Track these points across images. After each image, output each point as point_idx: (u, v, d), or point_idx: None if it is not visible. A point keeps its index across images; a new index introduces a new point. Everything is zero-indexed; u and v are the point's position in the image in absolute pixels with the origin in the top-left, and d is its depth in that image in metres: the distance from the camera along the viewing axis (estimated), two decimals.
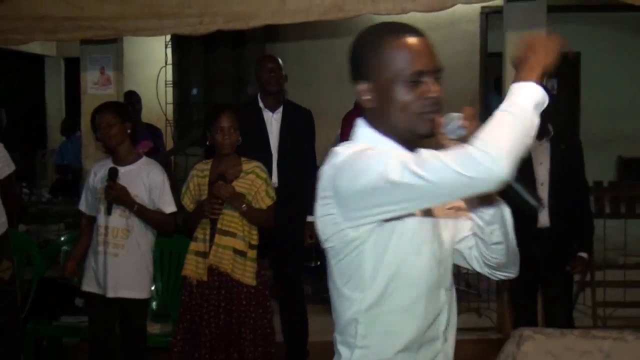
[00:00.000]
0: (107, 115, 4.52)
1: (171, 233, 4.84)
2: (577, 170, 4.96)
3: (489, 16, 8.20)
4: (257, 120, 5.46)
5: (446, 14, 5.93)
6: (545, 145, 4.86)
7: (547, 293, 5.04)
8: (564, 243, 4.88)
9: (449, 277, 2.08)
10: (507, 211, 2.03)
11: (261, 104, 5.56)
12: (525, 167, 4.82)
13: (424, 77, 1.96)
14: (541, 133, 4.82)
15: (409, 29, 2.00)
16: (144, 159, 4.69)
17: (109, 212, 4.46)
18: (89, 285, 4.57)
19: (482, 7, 7.87)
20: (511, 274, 2.18)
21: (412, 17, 5.52)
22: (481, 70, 8.46)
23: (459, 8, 5.53)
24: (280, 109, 5.53)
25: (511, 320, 5.39)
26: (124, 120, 4.56)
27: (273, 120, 5.49)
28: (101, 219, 4.52)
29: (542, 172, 4.84)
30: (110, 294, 4.47)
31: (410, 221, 1.91)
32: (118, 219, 4.50)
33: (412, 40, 1.96)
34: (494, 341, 5.76)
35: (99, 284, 4.50)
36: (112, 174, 4.44)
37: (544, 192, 4.81)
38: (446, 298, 2.05)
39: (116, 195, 4.43)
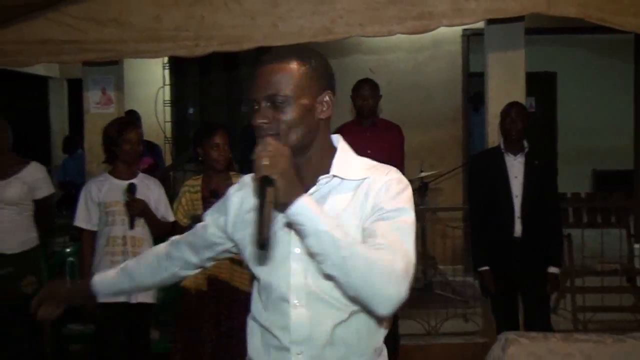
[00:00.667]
0: (138, 134, 4.78)
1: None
2: (550, 186, 5.20)
3: (470, 38, 8.48)
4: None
5: (430, 35, 6.19)
6: (520, 160, 5.13)
7: (525, 300, 5.24)
8: (537, 252, 5.10)
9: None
10: (332, 244, 1.85)
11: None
12: (501, 180, 5.13)
13: (257, 104, 2.04)
14: (517, 149, 5.11)
15: (270, 57, 2.09)
16: (141, 174, 4.90)
17: (132, 226, 4.63)
18: None
19: (464, 30, 8.14)
20: (375, 310, 1.91)
21: (397, 39, 5.84)
22: (463, 89, 8.69)
23: (442, 30, 5.75)
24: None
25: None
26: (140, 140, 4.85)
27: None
28: (117, 230, 4.66)
29: (517, 185, 5.10)
30: (133, 300, 4.62)
31: None
32: (136, 229, 4.68)
33: (261, 69, 2.07)
34: (480, 345, 5.97)
35: None
36: (132, 189, 4.62)
37: (517, 204, 5.09)
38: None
39: (140, 208, 4.62)
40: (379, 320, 2.10)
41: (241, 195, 2.22)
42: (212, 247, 2.32)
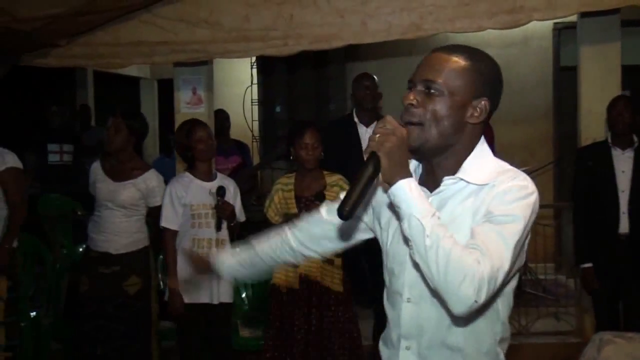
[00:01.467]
0: (206, 129, 4.82)
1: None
2: None
3: (562, 31, 8.29)
4: (352, 135, 5.72)
5: (520, 30, 6.05)
6: (629, 155, 5.00)
7: (627, 300, 5.11)
8: None
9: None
10: (420, 231, 1.85)
11: (356, 119, 5.83)
12: (607, 175, 5.00)
13: (412, 85, 2.05)
14: (625, 143, 4.98)
15: (441, 47, 2.10)
16: (219, 175, 4.94)
17: (219, 227, 4.67)
18: (192, 297, 4.69)
19: (555, 23, 7.95)
20: (450, 308, 1.87)
21: (487, 35, 5.75)
22: (554, 84, 8.53)
23: (532, 25, 5.63)
24: (374, 124, 5.74)
25: (592, 326, 5.50)
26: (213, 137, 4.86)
27: (367, 135, 5.69)
28: (204, 233, 4.70)
29: (624, 180, 4.98)
30: (215, 301, 4.69)
31: None
32: (223, 230, 4.73)
33: (428, 55, 2.09)
34: (574, 345, 5.81)
35: (202, 294, 4.67)
36: (221, 193, 4.67)
37: (624, 199, 4.96)
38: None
39: (229, 211, 4.68)
40: (491, 326, 2.08)
41: None
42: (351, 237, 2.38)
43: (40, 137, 7.96)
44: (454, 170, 2.05)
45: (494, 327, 2.09)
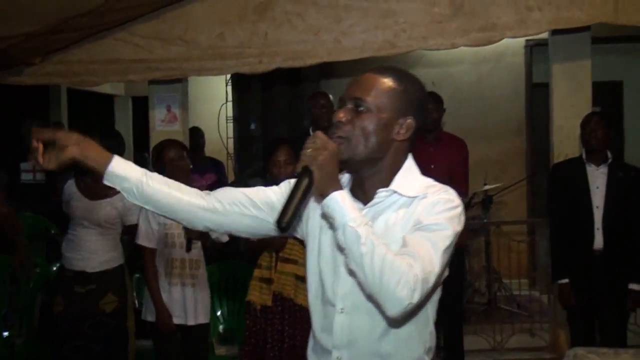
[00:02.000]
0: (177, 150, 4.70)
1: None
2: (635, 198, 5.06)
3: (533, 48, 8.37)
4: None
5: (492, 47, 6.14)
6: (603, 171, 5.04)
7: (603, 316, 5.13)
8: (619, 266, 5.00)
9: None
10: (354, 239, 1.91)
11: None
12: (581, 190, 5.04)
13: (343, 104, 2.14)
14: (599, 159, 5.04)
15: (373, 69, 2.19)
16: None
17: (188, 248, 4.59)
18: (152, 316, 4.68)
19: (527, 40, 8.04)
20: (385, 310, 1.94)
21: (459, 51, 5.81)
22: (527, 100, 8.60)
23: (504, 42, 5.71)
24: None
25: (566, 341, 5.52)
26: (188, 156, 4.78)
27: None
28: (176, 253, 4.65)
29: (598, 196, 5.02)
30: (191, 322, 4.65)
31: None
32: (193, 251, 4.67)
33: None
34: None
35: (175, 315, 4.63)
36: None
37: (598, 215, 5.00)
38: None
39: (198, 232, 4.62)
40: (420, 333, 2.15)
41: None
42: (265, 208, 2.24)
43: (13, 155, 7.90)
44: (383, 183, 2.14)
45: (423, 334, 2.16)
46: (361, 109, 2.09)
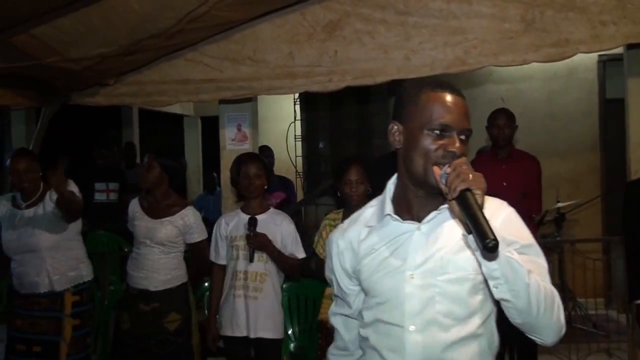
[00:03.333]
0: (258, 167, 4.72)
1: (299, 277, 5.04)
2: None
3: (607, 63, 8.24)
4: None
5: (564, 63, 6.02)
6: None
7: None
8: None
9: None
10: (515, 268, 1.90)
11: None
12: None
13: (450, 131, 2.06)
14: None
15: (448, 86, 2.13)
16: (272, 209, 4.87)
17: (251, 259, 4.62)
18: (227, 329, 4.71)
19: (600, 55, 7.92)
20: (542, 340, 2.01)
21: (531, 68, 5.73)
22: (600, 116, 8.46)
23: (577, 57, 5.58)
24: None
25: None
26: (267, 173, 4.82)
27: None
28: (240, 265, 4.66)
29: None
30: (252, 335, 4.63)
31: None
32: (257, 263, 4.66)
33: (447, 96, 2.09)
34: None
35: (238, 327, 4.64)
36: (253, 223, 4.61)
37: None
38: None
39: (260, 242, 4.59)
40: (490, 345, 2.16)
41: (352, 233, 2.30)
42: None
43: (87, 175, 8.06)
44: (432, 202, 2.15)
45: (492, 346, 2.19)
46: (465, 138, 2.09)
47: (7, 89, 6.02)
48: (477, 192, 1.88)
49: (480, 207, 1.86)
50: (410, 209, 2.17)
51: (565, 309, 6.91)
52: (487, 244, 1.79)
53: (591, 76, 8.43)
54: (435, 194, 2.08)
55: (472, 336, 2.08)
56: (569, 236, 7.69)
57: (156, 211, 4.90)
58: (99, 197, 8.05)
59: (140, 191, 5.07)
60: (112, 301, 5.99)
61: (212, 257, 4.84)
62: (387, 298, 2.15)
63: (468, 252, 2.02)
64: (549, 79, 8.28)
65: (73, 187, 4.81)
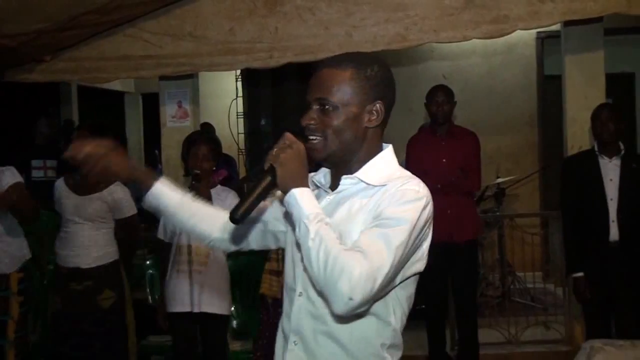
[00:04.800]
0: (209, 148, 4.70)
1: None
2: None
3: (545, 40, 8.36)
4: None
5: (504, 40, 6.11)
6: (616, 163, 4.99)
7: (619, 308, 5.07)
8: (634, 257, 4.94)
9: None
10: (303, 233, 1.95)
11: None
12: (594, 183, 5.02)
13: (309, 104, 2.14)
14: (612, 151, 5.00)
15: (322, 63, 2.18)
16: (219, 186, 4.88)
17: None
18: (172, 306, 4.71)
19: (538, 32, 7.99)
20: (331, 307, 1.95)
21: (470, 44, 5.79)
22: (539, 93, 8.58)
23: (516, 34, 5.67)
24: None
25: (581, 334, 5.50)
26: (217, 152, 4.83)
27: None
28: (183, 239, 4.64)
29: (612, 188, 4.96)
30: (195, 309, 4.61)
31: None
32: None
33: (316, 74, 2.16)
34: (563, 353, 5.87)
35: (182, 302, 4.63)
36: (196, 178, 4.57)
37: (612, 207, 4.96)
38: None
39: (204, 197, 4.58)
40: (378, 329, 2.10)
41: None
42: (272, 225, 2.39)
43: (23, 153, 7.90)
44: (354, 172, 2.15)
45: (382, 331, 2.11)
46: (327, 107, 2.09)
47: None
48: (275, 165, 2.00)
49: (264, 185, 2.02)
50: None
51: (505, 283, 7.09)
52: (232, 214, 2.01)
53: (530, 52, 8.54)
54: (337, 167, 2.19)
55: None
56: (510, 211, 7.81)
57: (84, 188, 4.86)
58: (37, 174, 7.88)
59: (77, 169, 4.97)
60: (51, 281, 5.90)
61: (161, 235, 4.81)
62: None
63: (359, 223, 2.06)
64: (489, 55, 8.37)
65: (14, 176, 4.72)
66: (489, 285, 7.32)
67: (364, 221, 2.02)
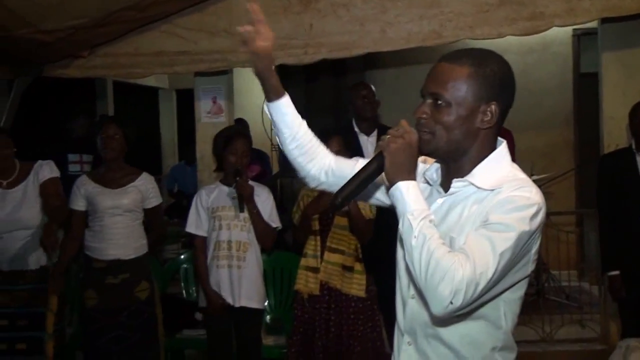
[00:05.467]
0: (246, 145, 4.79)
1: (271, 245, 5.01)
2: None
3: (581, 38, 8.27)
4: (353, 144, 5.65)
5: (539, 37, 6.05)
6: None
7: None
8: None
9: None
10: (406, 229, 1.94)
11: (356, 129, 5.80)
12: (631, 181, 4.97)
13: (423, 98, 2.09)
14: None
15: (442, 57, 2.11)
16: (251, 182, 4.87)
17: (241, 209, 4.65)
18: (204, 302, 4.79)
19: (574, 29, 7.93)
20: (431, 309, 1.92)
21: (505, 41, 5.72)
22: (574, 90, 8.49)
23: (552, 31, 5.60)
24: (375, 133, 5.75)
25: (617, 332, 5.46)
26: (250, 148, 4.85)
27: (368, 144, 5.72)
28: (223, 235, 4.71)
29: None
30: (236, 304, 4.68)
31: None
32: (240, 233, 4.72)
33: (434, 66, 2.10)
34: (598, 352, 5.84)
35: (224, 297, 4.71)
36: (239, 173, 4.62)
37: None
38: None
39: (248, 190, 4.61)
40: (489, 332, 2.07)
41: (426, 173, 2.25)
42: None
43: (60, 147, 7.97)
44: (465, 174, 2.08)
45: (493, 334, 2.08)
46: (440, 103, 2.02)
47: None
48: (384, 154, 1.99)
49: (370, 172, 2.02)
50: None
51: (539, 281, 7.03)
52: (334, 197, 2.01)
53: (566, 50, 8.45)
54: (447, 163, 2.15)
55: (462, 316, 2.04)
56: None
57: (113, 182, 4.85)
58: (73, 168, 7.95)
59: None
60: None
61: (193, 229, 4.84)
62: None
63: (468, 228, 2.00)
64: (524, 52, 8.28)
65: (52, 170, 4.83)
66: None
67: (473, 226, 1.97)
